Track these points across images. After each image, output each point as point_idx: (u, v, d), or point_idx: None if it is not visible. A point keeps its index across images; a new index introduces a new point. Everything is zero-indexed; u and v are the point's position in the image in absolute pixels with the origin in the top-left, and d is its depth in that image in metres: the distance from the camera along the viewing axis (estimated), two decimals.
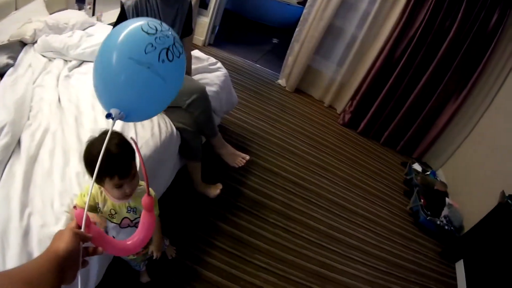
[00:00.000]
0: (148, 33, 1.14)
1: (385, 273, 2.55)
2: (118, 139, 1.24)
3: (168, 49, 1.16)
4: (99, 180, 1.25)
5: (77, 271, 0.80)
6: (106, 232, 1.42)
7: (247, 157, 2.64)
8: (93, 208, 1.37)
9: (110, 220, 1.39)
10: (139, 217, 1.17)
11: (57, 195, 1.45)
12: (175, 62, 1.18)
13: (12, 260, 1.21)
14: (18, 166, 1.53)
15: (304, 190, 2.96)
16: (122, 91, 1.14)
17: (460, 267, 2.84)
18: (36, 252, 1.26)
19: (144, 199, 1.04)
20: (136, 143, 1.06)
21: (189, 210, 2.37)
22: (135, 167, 1.29)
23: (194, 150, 2.25)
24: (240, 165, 2.59)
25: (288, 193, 2.86)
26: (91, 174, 1.22)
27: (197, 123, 2.22)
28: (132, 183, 1.29)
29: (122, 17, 1.98)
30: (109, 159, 1.15)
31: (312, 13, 3.94)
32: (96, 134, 1.26)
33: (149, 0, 2.03)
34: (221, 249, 2.22)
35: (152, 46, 1.12)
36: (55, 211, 1.39)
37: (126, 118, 1.13)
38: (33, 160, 1.58)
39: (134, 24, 1.18)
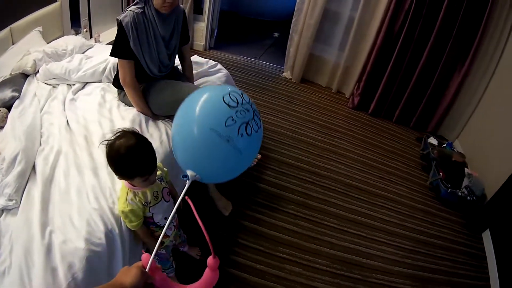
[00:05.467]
0: (229, 106, 1.17)
1: (411, 251, 2.55)
2: (135, 138, 1.38)
3: (247, 123, 1.19)
4: (130, 179, 1.44)
5: None
6: (155, 222, 1.58)
7: (259, 156, 2.67)
8: (144, 210, 1.52)
9: (156, 203, 1.53)
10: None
11: (75, 211, 1.53)
12: (253, 136, 1.21)
13: (37, 278, 1.27)
14: (35, 190, 1.61)
15: (321, 178, 2.98)
16: (200, 158, 1.20)
17: (487, 237, 2.81)
18: (60, 267, 1.31)
19: (210, 260, 1.15)
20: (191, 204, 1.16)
21: (209, 211, 2.41)
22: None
23: None
24: (253, 165, 2.61)
25: (304, 182, 2.88)
26: (117, 170, 1.39)
27: None
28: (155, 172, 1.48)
29: (122, 35, 1.99)
30: (138, 160, 1.36)
31: (305, 1, 3.94)
32: (109, 136, 1.40)
33: (146, 15, 2.03)
34: (245, 246, 2.27)
35: (233, 119, 1.15)
36: (76, 226, 1.46)
37: (201, 179, 1.21)
38: (49, 182, 1.66)
39: (216, 92, 1.23)
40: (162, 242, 1.63)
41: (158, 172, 1.55)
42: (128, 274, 0.92)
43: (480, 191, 3.00)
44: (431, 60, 3.67)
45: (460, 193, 2.96)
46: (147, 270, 0.99)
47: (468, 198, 2.93)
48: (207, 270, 1.15)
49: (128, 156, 1.33)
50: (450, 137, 3.94)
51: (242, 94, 1.25)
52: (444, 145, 3.58)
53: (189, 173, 1.19)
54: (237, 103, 1.19)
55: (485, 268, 2.61)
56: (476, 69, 3.59)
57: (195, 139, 1.18)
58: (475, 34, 3.42)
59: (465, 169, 3.17)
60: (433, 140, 3.64)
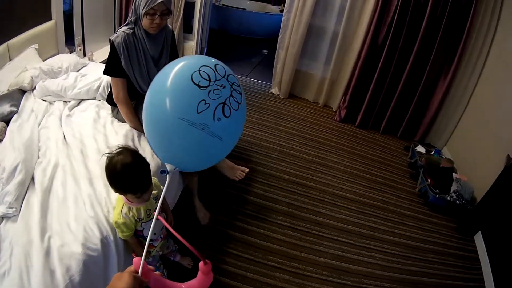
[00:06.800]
0: (200, 86, 1.01)
1: (401, 256, 2.56)
2: (132, 157, 1.42)
3: (224, 103, 1.03)
4: (123, 194, 1.50)
5: None
6: (144, 235, 1.63)
7: (246, 169, 2.71)
8: (135, 224, 1.58)
9: (148, 220, 1.59)
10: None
11: (73, 218, 1.61)
12: (232, 117, 1.06)
13: (36, 278, 1.33)
14: (34, 198, 1.69)
15: (308, 189, 3.00)
16: (175, 150, 1.08)
17: (479, 239, 2.83)
18: (58, 269, 1.37)
19: (201, 265, 1.14)
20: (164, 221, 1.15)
21: (198, 222, 2.44)
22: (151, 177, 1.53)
23: None
24: (240, 178, 2.64)
25: (292, 194, 2.91)
26: (111, 184, 1.46)
27: None
28: (149, 191, 1.54)
29: (114, 55, 2.08)
30: (131, 178, 1.41)
31: (291, 18, 4.03)
32: (112, 150, 1.45)
33: (137, 35, 2.12)
34: (234, 255, 2.29)
35: (206, 103, 1.00)
36: (73, 232, 1.54)
37: (183, 169, 1.13)
38: (47, 191, 1.74)
39: (183, 71, 1.05)
40: (149, 251, 1.67)
41: (154, 191, 1.62)
42: (121, 280, 0.94)
43: (469, 195, 3.04)
44: (415, 70, 3.75)
45: (449, 198, 3.00)
46: (139, 274, 1.00)
47: (457, 202, 2.97)
48: (199, 274, 1.14)
49: (122, 172, 1.39)
50: (438, 145, 4.00)
51: (215, 66, 1.08)
52: (432, 152, 3.62)
53: (168, 167, 1.10)
54: (209, 80, 1.03)
55: (478, 270, 2.63)
56: (461, 76, 3.67)
57: (165, 131, 1.06)
58: (458, 42, 3.52)
59: (454, 174, 3.21)
60: (420, 148, 3.69)
